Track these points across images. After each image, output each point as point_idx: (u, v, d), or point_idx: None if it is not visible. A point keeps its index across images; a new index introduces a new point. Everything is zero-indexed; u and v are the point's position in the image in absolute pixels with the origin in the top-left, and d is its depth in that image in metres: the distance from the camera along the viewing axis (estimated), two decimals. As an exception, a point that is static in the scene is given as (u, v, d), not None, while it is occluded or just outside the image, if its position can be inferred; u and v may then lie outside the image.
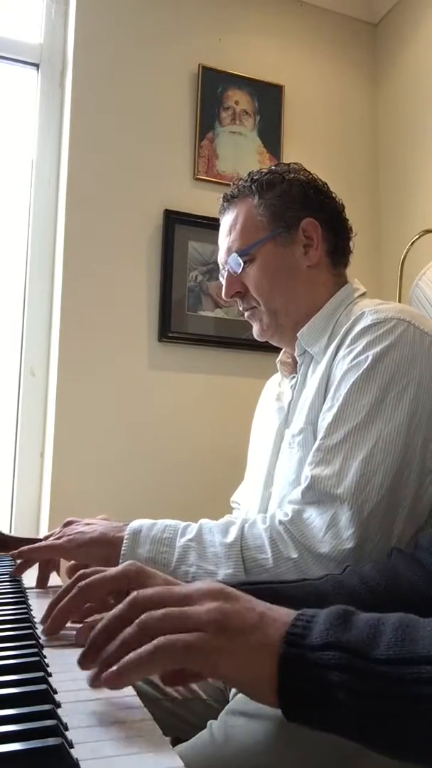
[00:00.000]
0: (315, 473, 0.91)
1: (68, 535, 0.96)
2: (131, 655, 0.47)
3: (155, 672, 0.48)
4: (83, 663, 0.52)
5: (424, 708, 0.42)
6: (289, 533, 0.89)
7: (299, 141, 2.34)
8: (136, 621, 0.49)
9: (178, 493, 1.99)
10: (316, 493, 0.90)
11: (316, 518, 0.88)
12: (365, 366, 0.95)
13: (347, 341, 1.00)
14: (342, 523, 0.86)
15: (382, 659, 0.44)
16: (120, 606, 0.52)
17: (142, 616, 0.49)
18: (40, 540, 1.12)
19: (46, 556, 0.99)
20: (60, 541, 0.96)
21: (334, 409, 0.95)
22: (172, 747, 0.43)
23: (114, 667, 0.47)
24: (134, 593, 0.52)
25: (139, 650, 0.47)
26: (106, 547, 0.94)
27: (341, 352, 1.00)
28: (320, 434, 0.96)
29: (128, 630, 0.49)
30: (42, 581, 0.99)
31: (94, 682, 0.50)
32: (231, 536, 0.91)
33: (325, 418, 0.97)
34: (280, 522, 0.90)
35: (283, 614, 0.49)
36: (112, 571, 0.67)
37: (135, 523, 0.96)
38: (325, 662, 0.45)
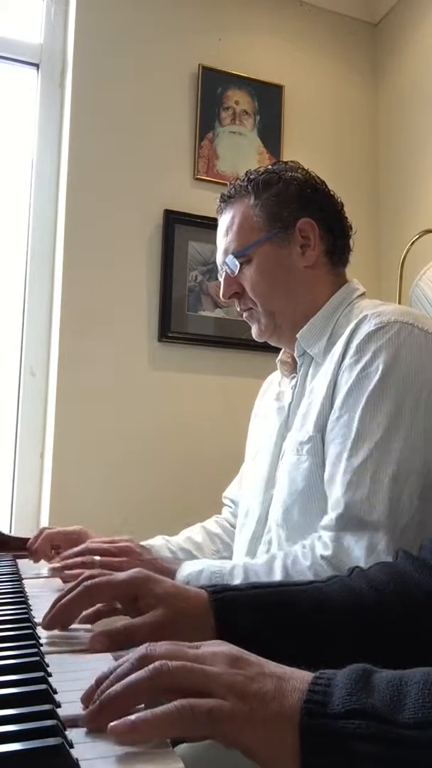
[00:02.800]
0: (347, 500, 0.91)
1: None
2: (149, 713, 0.42)
3: (169, 737, 0.43)
4: (96, 718, 0.45)
5: None
6: (333, 567, 0.89)
7: (299, 141, 2.34)
8: (149, 666, 0.45)
9: (178, 493, 1.99)
10: (350, 520, 0.90)
11: (354, 547, 0.89)
12: (377, 377, 0.94)
13: (352, 347, 0.99)
14: (380, 548, 0.87)
15: (409, 723, 0.41)
16: (129, 662, 0.48)
17: (156, 663, 0.45)
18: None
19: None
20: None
21: (353, 424, 0.94)
22: (172, 747, 0.43)
23: (132, 717, 0.42)
24: (145, 648, 0.48)
25: (159, 710, 0.42)
26: None
27: (347, 360, 0.99)
28: (336, 448, 0.95)
29: (138, 674, 0.46)
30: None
31: (91, 723, 0.44)
32: (276, 578, 0.91)
33: (335, 428, 0.97)
34: (322, 557, 0.90)
35: (300, 678, 0.46)
36: (119, 576, 0.68)
37: (181, 575, 0.95)
38: (350, 731, 0.41)
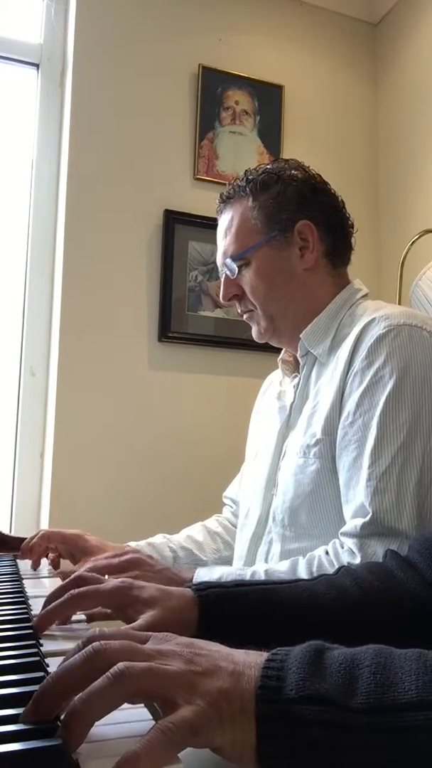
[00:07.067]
0: (374, 507, 0.90)
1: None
2: (135, 752, 0.38)
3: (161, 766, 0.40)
4: (33, 713, 0.42)
5: (409, 758, 0.40)
6: None
7: (299, 141, 2.34)
8: (111, 672, 0.42)
9: (178, 492, 1.99)
10: (378, 527, 0.90)
11: (381, 553, 0.88)
12: (392, 381, 0.94)
13: (362, 351, 0.99)
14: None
15: (361, 709, 0.41)
16: (81, 656, 0.44)
17: (120, 667, 0.42)
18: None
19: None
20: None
21: (370, 429, 0.94)
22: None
23: (124, 761, 0.38)
24: (98, 644, 0.45)
25: (143, 744, 0.39)
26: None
27: (358, 363, 0.99)
28: (352, 452, 0.95)
29: (101, 682, 0.41)
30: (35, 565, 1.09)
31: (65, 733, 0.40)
32: None
33: (348, 432, 0.96)
34: (349, 564, 0.89)
35: (254, 664, 0.45)
36: (104, 587, 0.68)
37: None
38: (304, 717, 0.41)
